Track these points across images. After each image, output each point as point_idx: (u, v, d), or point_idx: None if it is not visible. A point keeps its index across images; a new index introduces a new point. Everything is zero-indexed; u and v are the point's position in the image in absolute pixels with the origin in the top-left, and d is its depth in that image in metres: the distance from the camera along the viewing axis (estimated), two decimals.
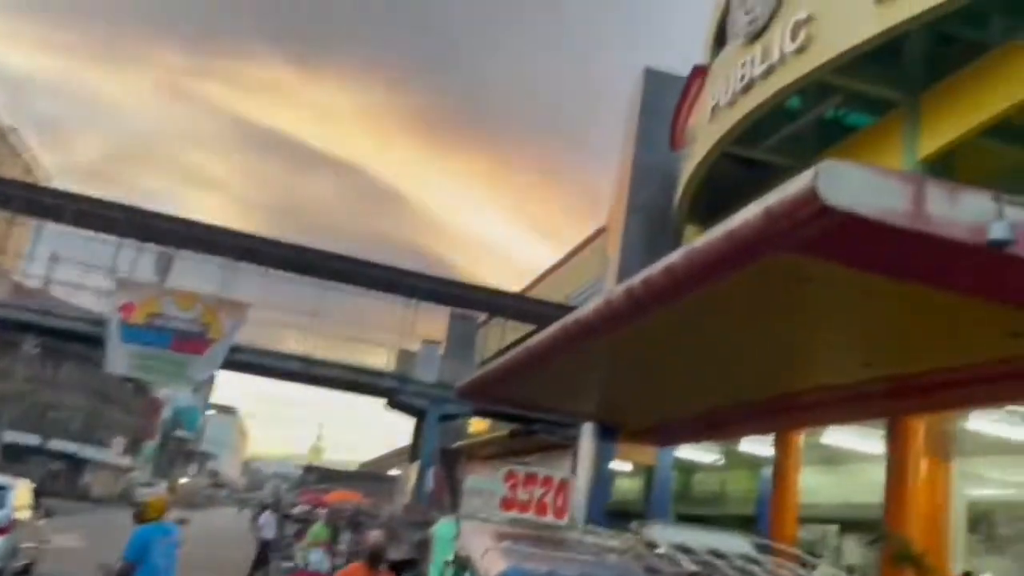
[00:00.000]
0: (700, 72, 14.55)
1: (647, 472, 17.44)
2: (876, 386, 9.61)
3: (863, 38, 9.89)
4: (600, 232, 24.70)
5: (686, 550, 4.00)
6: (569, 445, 22.86)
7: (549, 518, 6.61)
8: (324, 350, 23.59)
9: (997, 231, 5.06)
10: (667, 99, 18.58)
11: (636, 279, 7.60)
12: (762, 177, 15.10)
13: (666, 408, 13.51)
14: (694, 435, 15.22)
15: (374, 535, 7.35)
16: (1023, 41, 9.46)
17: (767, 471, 17.84)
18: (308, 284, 23.79)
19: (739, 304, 7.70)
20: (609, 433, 16.43)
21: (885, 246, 5.50)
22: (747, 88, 12.18)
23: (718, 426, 13.69)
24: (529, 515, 6.56)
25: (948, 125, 10.38)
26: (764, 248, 5.82)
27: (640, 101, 18.66)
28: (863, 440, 13.01)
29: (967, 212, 5.26)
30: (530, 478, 6.73)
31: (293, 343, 23.66)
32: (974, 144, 10.33)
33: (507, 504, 6.61)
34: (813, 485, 16.15)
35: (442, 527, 7.39)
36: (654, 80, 18.90)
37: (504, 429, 27.39)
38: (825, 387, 10.17)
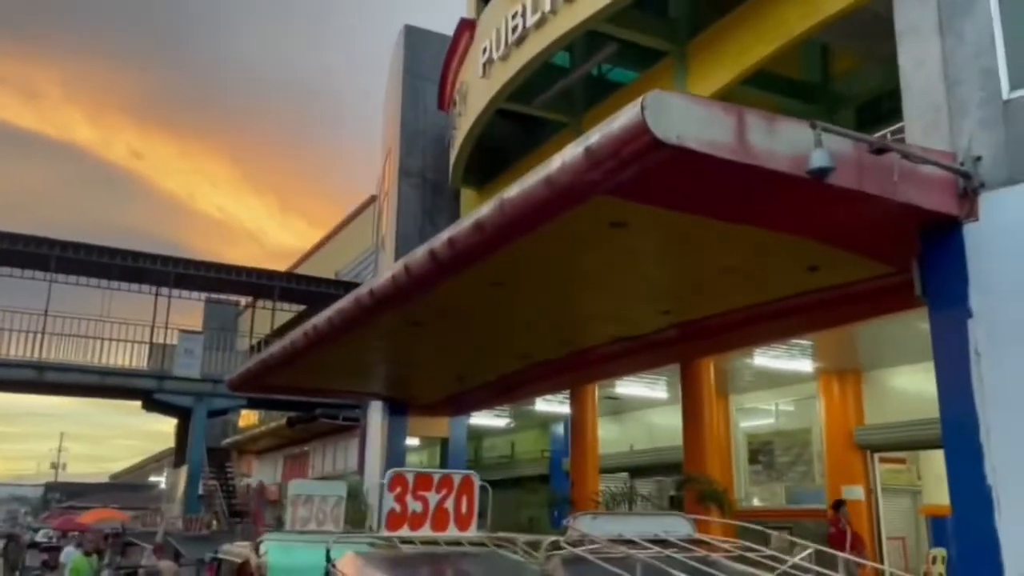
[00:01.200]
0: (467, 26, 14.12)
1: (441, 443, 17.09)
2: (670, 332, 9.81)
3: None
4: (370, 202, 23.78)
5: (628, 542, 3.46)
6: (354, 427, 21.98)
7: (452, 531, 5.09)
8: (62, 353, 20.71)
9: (818, 159, 5.02)
10: (431, 58, 18.00)
11: (440, 239, 7.00)
12: (538, 136, 15.05)
13: (460, 378, 13.15)
14: (488, 401, 15.04)
15: (166, 568, 6.07)
16: None
17: (558, 428, 18.20)
18: (34, 282, 20.69)
19: (542, 262, 7.37)
20: (399, 409, 15.81)
21: (710, 181, 5.33)
22: (520, 40, 11.92)
23: (512, 389, 13.56)
24: (424, 531, 4.98)
25: (713, 73, 10.73)
26: (587, 191, 5.45)
27: (403, 61, 17.93)
28: (649, 388, 13.46)
29: (786, 142, 5.19)
30: (423, 480, 5.08)
31: (21, 349, 20.55)
32: (737, 92, 10.76)
33: (394, 520, 4.93)
34: (602, 436, 16.58)
35: (279, 553, 5.83)
36: (416, 38, 18.24)
37: (280, 418, 25.86)
38: (621, 338, 10.24)
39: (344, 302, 9.32)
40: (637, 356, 10.44)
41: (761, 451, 12.99)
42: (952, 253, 5.88)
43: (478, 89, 13.36)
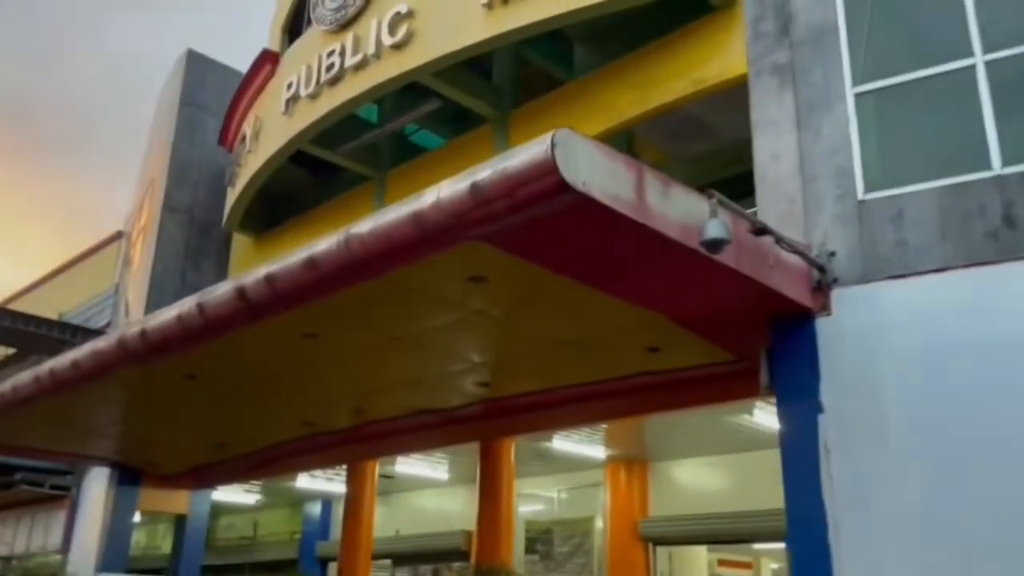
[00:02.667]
0: (269, 58, 13.07)
1: (176, 520, 14.93)
2: (477, 408, 9.23)
3: (469, 42, 9.61)
4: (113, 238, 21.18)
5: None
6: (63, 496, 18.83)
7: None
8: None
9: (714, 230, 4.76)
10: (212, 88, 16.58)
11: (255, 275, 5.95)
12: (332, 187, 14.15)
13: (222, 445, 11.59)
14: (244, 474, 13.42)
15: None
16: (606, 71, 10.03)
17: (312, 508, 16.71)
18: None
19: (375, 314, 6.55)
20: (129, 478, 13.66)
21: (594, 238, 4.89)
22: (335, 80, 11.14)
23: (276, 461, 12.19)
24: None
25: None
26: (461, 234, 4.78)
27: (181, 88, 16.30)
28: (431, 468, 12.71)
29: (678, 208, 4.91)
30: None
31: None
32: None
33: None
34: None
35: None
36: (197, 65, 16.72)
37: None
38: (423, 411, 9.49)
39: (102, 343, 7.77)
40: (436, 431, 9.73)
41: (539, 540, 12.59)
42: (804, 346, 5.88)
43: (277, 127, 12.31)
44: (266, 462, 12.33)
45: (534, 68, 11.31)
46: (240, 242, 15.68)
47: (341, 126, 11.93)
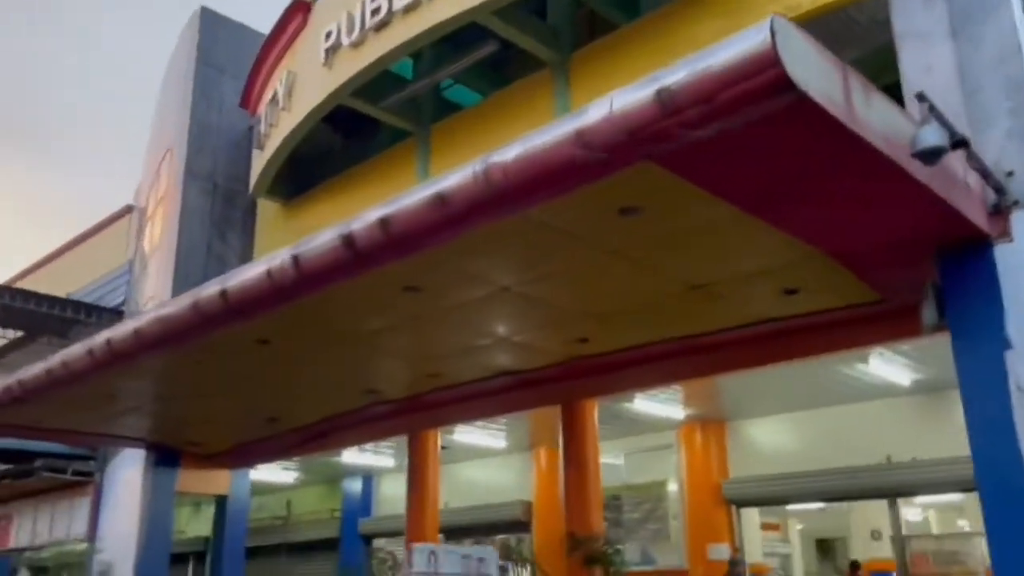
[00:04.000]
0: (300, 8, 12.27)
1: (217, 502, 14.34)
2: (556, 369, 8.66)
3: None
4: (124, 213, 20.38)
5: None
6: (87, 481, 18.21)
7: None
8: None
9: (930, 137, 4.17)
10: (228, 48, 15.77)
11: (369, 218, 5.31)
12: (364, 148, 13.46)
13: (274, 419, 10.99)
14: (290, 450, 12.79)
15: None
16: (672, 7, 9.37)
17: (352, 484, 16.18)
18: None
19: (492, 258, 5.94)
20: (168, 459, 13.05)
21: (785, 149, 4.28)
22: (382, 25, 10.42)
23: (328, 435, 11.60)
24: None
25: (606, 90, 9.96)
26: (640, 151, 4.17)
27: (196, 47, 15.48)
28: (491, 436, 12.18)
29: (879, 115, 4.30)
30: None
31: None
32: None
33: None
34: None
35: None
36: (212, 23, 15.84)
37: None
38: (506, 372, 8.90)
39: (171, 308, 7.14)
40: (512, 395, 9.14)
41: (606, 507, 12.07)
42: (984, 277, 5.32)
43: (314, 80, 11.58)
44: (316, 436, 11.74)
45: (588, 9, 10.59)
46: (266, 209, 14.98)
47: (376, 81, 11.25)
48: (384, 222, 5.23)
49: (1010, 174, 5.40)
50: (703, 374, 8.27)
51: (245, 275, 6.33)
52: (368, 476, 15.74)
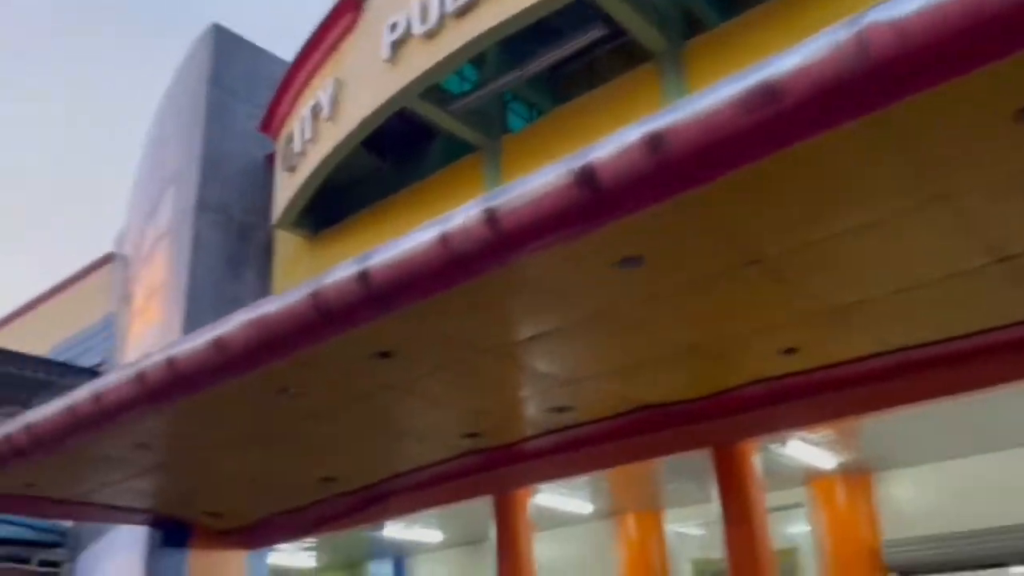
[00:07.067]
0: (349, 5, 10.94)
1: None
2: (710, 401, 7.15)
3: None
4: (100, 263, 18.49)
5: None
6: (53, 574, 15.82)
7: None
8: None
9: None
10: (241, 70, 14.38)
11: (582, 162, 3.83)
12: (407, 172, 12.08)
13: (328, 479, 9.21)
14: (322, 523, 10.83)
15: None
16: None
17: (380, 569, 14.15)
18: None
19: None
20: (176, 537, 11.03)
21: None
22: (466, 9, 9.13)
23: (387, 497, 9.79)
24: None
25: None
26: None
27: (208, 68, 14.05)
28: (578, 498, 10.46)
29: None
30: None
31: None
32: None
33: None
34: None
35: None
36: (225, 43, 14.51)
37: None
38: (644, 407, 7.34)
39: (193, 344, 5.55)
40: (653, 437, 7.55)
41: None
42: None
43: (372, 82, 10.20)
44: (373, 500, 9.93)
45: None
46: (287, 244, 13.39)
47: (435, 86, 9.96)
48: (588, 171, 3.78)
49: None
50: (947, 394, 6.69)
51: (396, 249, 4.77)
52: (399, 557, 13.76)
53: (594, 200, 3.91)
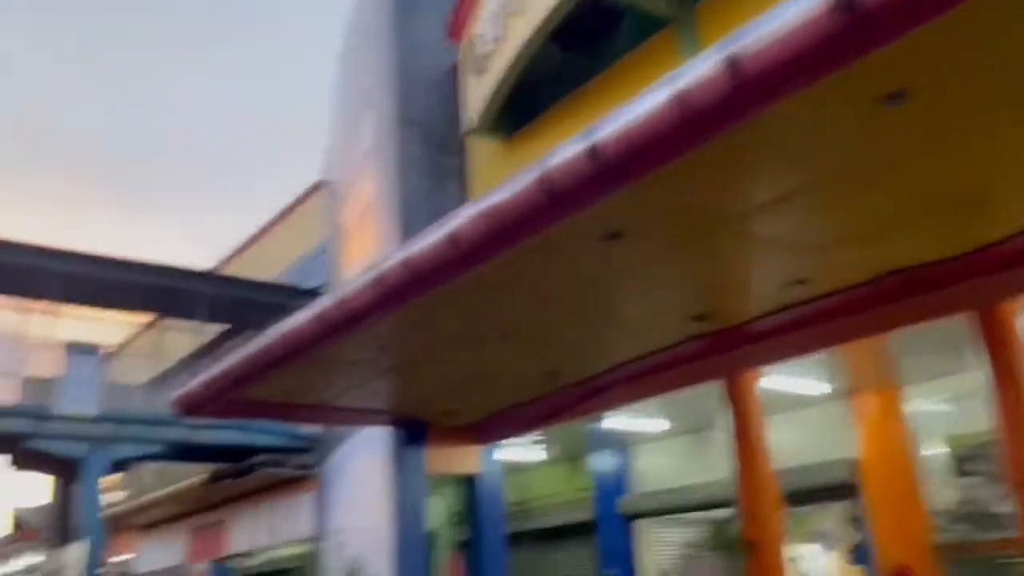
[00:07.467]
0: None
1: (466, 483, 12.99)
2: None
3: None
4: (314, 190, 19.63)
5: None
6: (308, 477, 17.44)
7: None
8: None
9: None
10: None
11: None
12: (596, 62, 11.69)
13: (555, 372, 9.37)
14: (554, 416, 11.10)
15: None
16: None
17: (601, 460, 14.42)
18: None
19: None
20: (415, 435, 11.73)
21: None
22: None
23: (609, 388, 9.84)
24: None
25: None
26: None
27: None
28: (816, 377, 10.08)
29: None
30: None
31: None
32: None
33: None
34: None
35: None
36: None
37: (188, 477, 20.80)
38: (889, 272, 6.83)
39: (427, 242, 5.55)
40: (909, 304, 7.01)
41: (969, 459, 9.76)
42: None
43: None
44: (588, 395, 10.05)
45: None
46: (482, 150, 13.48)
47: None
48: None
49: None
50: None
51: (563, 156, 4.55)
52: (621, 448, 13.95)
53: (857, 26, 3.51)
